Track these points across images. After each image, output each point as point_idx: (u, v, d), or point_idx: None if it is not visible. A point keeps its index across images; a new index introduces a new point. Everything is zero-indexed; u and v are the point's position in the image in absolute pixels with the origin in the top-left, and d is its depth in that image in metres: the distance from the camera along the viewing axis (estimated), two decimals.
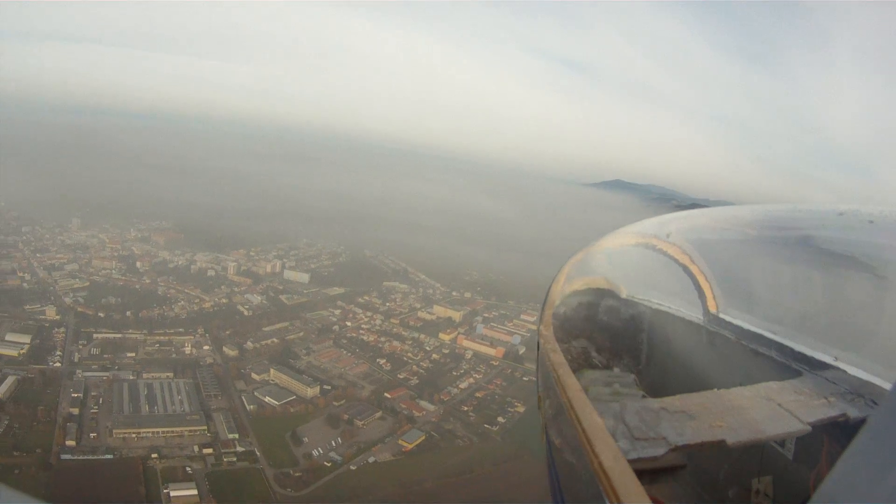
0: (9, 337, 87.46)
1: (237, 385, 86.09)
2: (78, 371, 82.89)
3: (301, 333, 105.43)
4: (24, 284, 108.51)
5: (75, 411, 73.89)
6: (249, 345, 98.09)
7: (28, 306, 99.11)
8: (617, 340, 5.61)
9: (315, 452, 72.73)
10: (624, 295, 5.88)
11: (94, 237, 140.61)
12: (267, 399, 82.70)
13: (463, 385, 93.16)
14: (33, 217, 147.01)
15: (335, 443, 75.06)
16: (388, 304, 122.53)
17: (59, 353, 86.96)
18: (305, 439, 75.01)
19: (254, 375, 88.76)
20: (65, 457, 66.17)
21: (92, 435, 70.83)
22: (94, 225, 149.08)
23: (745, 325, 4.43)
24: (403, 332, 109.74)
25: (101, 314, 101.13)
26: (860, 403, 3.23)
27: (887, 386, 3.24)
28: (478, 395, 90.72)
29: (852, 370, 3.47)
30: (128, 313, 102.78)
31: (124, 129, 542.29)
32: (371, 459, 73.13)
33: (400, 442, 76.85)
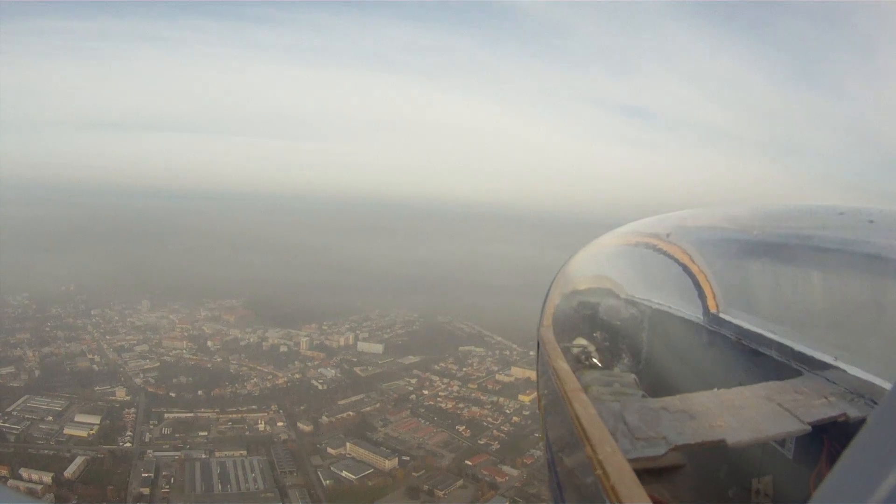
0: (78, 418, 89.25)
1: (313, 461, 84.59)
2: (149, 451, 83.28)
3: (377, 405, 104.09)
4: (94, 366, 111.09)
5: (146, 491, 73.81)
6: (324, 419, 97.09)
7: (98, 387, 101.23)
8: (617, 340, 5.78)
9: None
10: (624, 295, 6.13)
11: (164, 318, 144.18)
12: (344, 473, 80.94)
13: None
14: (102, 300, 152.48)
15: None
16: (464, 369, 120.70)
17: (129, 433, 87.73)
18: None
19: (330, 450, 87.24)
20: None
21: None
22: (164, 306, 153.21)
23: (745, 325, 4.52)
24: (482, 397, 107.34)
25: (173, 394, 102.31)
26: (860, 403, 3.31)
27: (887, 386, 3.24)
28: None
29: (852, 370, 3.51)
30: (199, 392, 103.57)
31: (192, 211, 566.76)
32: None
33: None
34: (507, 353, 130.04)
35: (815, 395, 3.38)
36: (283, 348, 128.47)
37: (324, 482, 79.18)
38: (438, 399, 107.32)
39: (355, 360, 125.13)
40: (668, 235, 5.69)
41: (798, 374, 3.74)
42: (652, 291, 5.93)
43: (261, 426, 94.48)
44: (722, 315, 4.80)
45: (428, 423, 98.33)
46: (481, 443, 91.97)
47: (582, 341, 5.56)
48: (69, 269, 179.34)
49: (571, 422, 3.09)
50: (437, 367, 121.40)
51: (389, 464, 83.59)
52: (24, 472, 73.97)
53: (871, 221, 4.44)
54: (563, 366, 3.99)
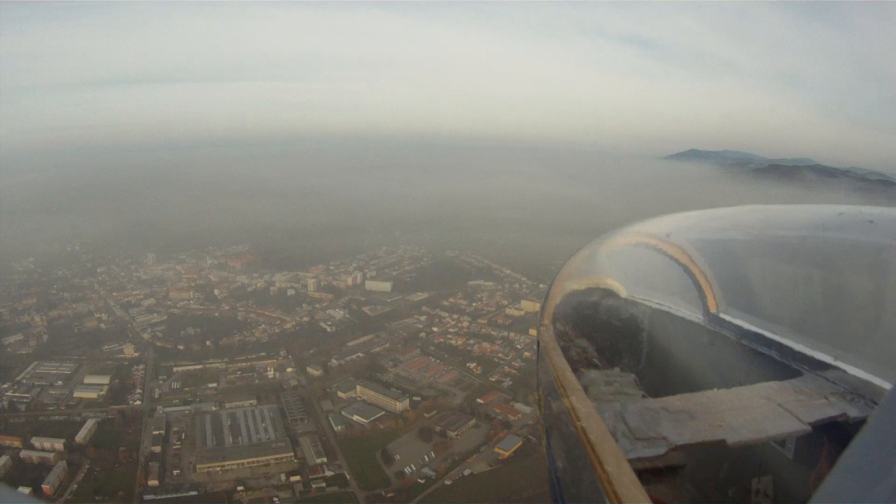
0: (87, 380, 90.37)
1: (323, 406, 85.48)
2: (159, 407, 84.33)
3: (387, 345, 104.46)
4: (102, 325, 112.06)
5: (157, 449, 74.77)
6: (334, 362, 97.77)
7: (106, 346, 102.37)
8: (617, 340, 5.75)
9: (407, 469, 70.99)
10: (624, 295, 6.13)
11: (170, 269, 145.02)
12: (355, 417, 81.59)
13: None
14: (108, 256, 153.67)
15: (428, 457, 73.20)
16: (474, 304, 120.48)
17: (139, 391, 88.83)
18: (397, 456, 73.30)
19: (340, 394, 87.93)
20: (148, 497, 66.88)
21: (175, 472, 71.38)
22: (170, 257, 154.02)
23: (745, 325, 4.55)
24: (492, 332, 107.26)
25: (181, 346, 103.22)
26: (860, 403, 3.34)
27: (887, 386, 3.29)
28: None
29: (852, 370, 3.55)
30: (207, 343, 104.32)
31: (192, 161, 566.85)
32: (466, 472, 71.08)
33: (496, 450, 74.34)
34: (517, 286, 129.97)
35: (815, 395, 3.43)
36: (290, 292, 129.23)
37: (335, 428, 79.83)
38: (448, 336, 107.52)
39: (363, 299, 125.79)
40: (668, 235, 5.70)
41: (798, 374, 3.78)
42: (652, 291, 5.99)
43: (270, 373, 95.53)
44: (722, 315, 4.88)
45: (438, 361, 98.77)
46: (493, 380, 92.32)
47: (582, 341, 5.46)
48: (73, 230, 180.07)
49: (571, 421, 3.05)
50: (446, 303, 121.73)
51: (401, 405, 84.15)
52: (35, 442, 75.17)
53: (871, 221, 4.52)
54: (563, 366, 3.94)
